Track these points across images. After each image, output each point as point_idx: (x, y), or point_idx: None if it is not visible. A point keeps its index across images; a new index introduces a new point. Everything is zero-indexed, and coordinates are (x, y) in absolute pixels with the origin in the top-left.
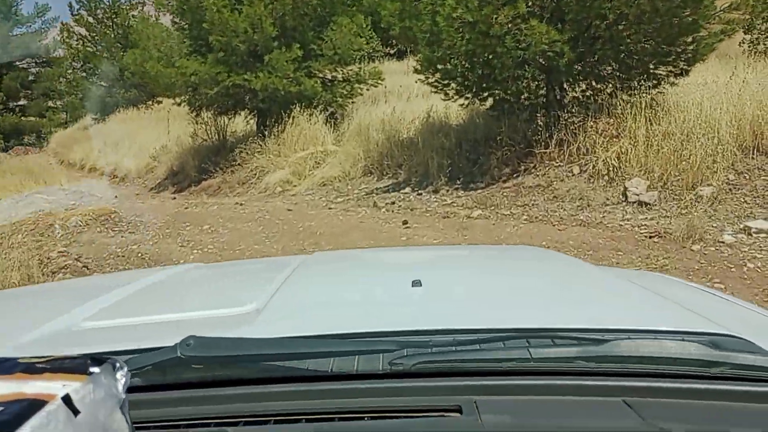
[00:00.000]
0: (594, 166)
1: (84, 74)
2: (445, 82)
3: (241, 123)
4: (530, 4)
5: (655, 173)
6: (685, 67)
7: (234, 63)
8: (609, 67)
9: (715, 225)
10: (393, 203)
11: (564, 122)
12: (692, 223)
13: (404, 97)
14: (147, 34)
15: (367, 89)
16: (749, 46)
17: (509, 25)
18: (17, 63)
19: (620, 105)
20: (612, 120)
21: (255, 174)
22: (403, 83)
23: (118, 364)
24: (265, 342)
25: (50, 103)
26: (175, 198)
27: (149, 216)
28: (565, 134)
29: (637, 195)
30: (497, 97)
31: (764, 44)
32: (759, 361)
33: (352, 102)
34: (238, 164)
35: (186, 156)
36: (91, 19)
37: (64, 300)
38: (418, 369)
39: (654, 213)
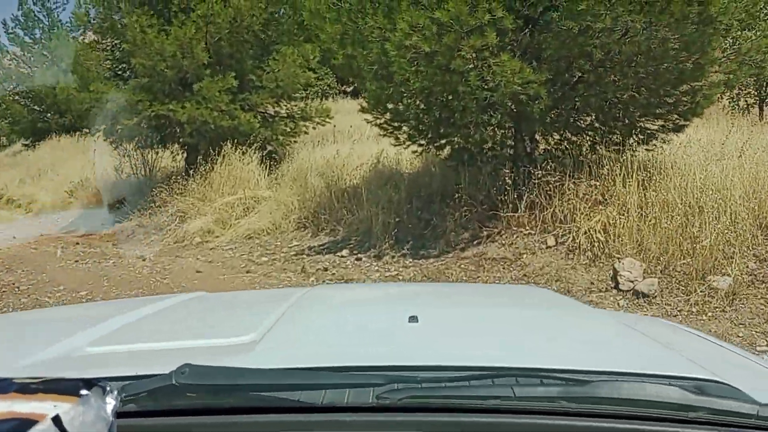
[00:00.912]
0: (574, 239)
1: (16, 97)
2: (396, 124)
3: (171, 158)
4: (501, 34)
5: (653, 253)
6: (679, 121)
7: (159, 90)
8: (588, 117)
9: (741, 334)
10: (326, 270)
11: (536, 181)
12: (710, 330)
13: (354, 139)
14: (74, 55)
15: (314, 128)
16: (729, 102)
17: (474, 60)
18: None
19: (606, 163)
20: (596, 182)
21: (175, 219)
22: (355, 123)
23: (108, 388)
24: (258, 373)
25: None
26: (77, 244)
27: (19, 272)
28: (537, 195)
29: (632, 282)
30: (456, 146)
31: (745, 100)
32: (740, 407)
33: (295, 141)
34: (158, 206)
35: (105, 193)
36: (27, 39)
37: (70, 325)
38: (404, 404)
39: (655, 308)
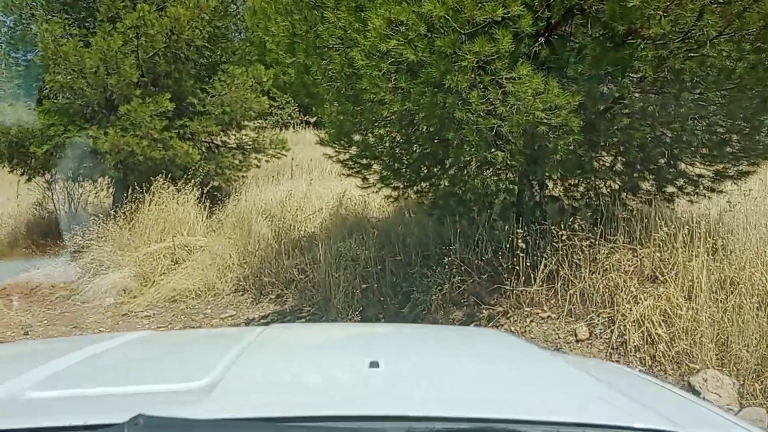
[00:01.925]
0: (620, 331)
1: None
2: (364, 161)
3: (95, 194)
4: (519, 37)
5: (746, 363)
6: (746, 167)
7: (77, 113)
8: (615, 156)
9: None
10: None
11: (556, 243)
12: None
13: (312, 176)
14: None
15: (267, 161)
16: None
17: (479, 74)
18: None
19: (655, 220)
20: (642, 248)
21: (89, 270)
22: (316, 156)
23: None
24: (215, 424)
25: None
26: None
27: None
28: (559, 263)
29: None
30: (443, 192)
31: None
32: None
33: (243, 176)
34: (74, 253)
35: (18, 234)
36: None
37: (9, 365)
38: None
39: None
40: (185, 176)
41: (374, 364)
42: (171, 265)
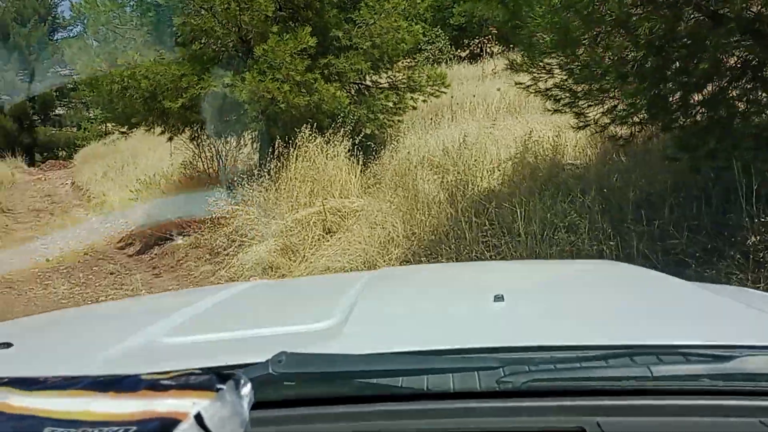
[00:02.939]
0: None
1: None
2: (580, 89)
3: (239, 150)
4: None
5: None
6: None
7: (210, 60)
8: None
9: None
10: None
11: None
12: None
13: (478, 114)
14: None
15: (424, 101)
16: None
17: None
18: (58, 70)
19: None
20: None
21: (234, 240)
22: (480, 92)
23: (242, 381)
24: (358, 358)
25: (90, 113)
26: (112, 273)
27: None
28: None
29: None
30: (707, 122)
31: None
32: None
33: (400, 121)
34: (219, 219)
35: (168, 196)
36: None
37: (137, 317)
38: (529, 387)
39: None
40: (333, 125)
41: (498, 298)
42: (322, 235)
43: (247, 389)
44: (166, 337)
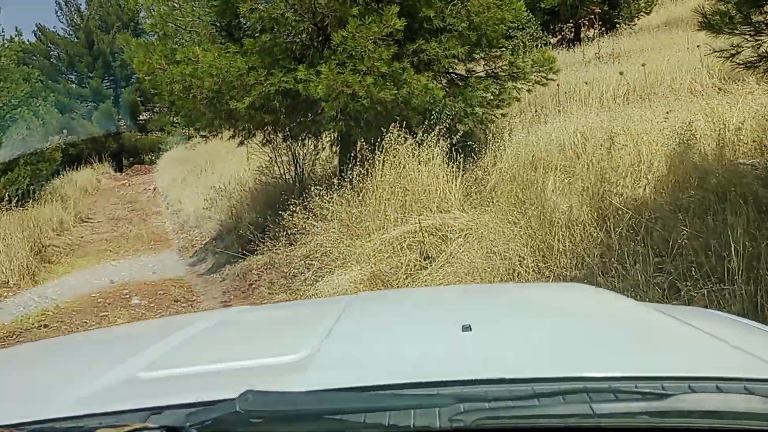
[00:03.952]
0: None
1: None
2: None
3: (316, 154)
4: None
5: None
6: None
7: (282, 51)
8: None
9: None
10: None
11: None
12: None
13: (592, 103)
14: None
15: (529, 90)
16: None
17: None
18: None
19: None
20: None
21: (311, 261)
22: (593, 78)
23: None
24: (323, 396)
25: (174, 118)
26: (177, 302)
27: None
28: None
29: None
30: None
31: None
32: None
33: (503, 115)
34: (296, 234)
35: (243, 206)
36: None
37: (114, 349)
38: (477, 425)
39: None
40: (425, 123)
41: (466, 328)
42: (420, 262)
43: None
44: (142, 371)
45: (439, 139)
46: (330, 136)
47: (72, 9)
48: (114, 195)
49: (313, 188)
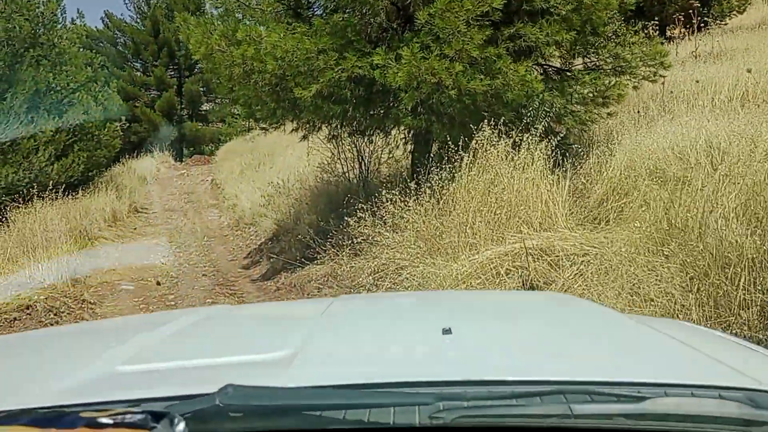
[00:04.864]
0: None
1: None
2: None
3: (388, 152)
4: None
5: None
6: None
7: (356, 33)
8: None
9: None
10: None
11: None
12: None
13: (704, 106)
14: None
15: (635, 87)
16: None
17: None
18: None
19: None
20: None
21: (381, 278)
22: (707, 75)
23: (176, 420)
24: (304, 392)
25: (234, 108)
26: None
27: None
28: None
29: None
30: None
31: None
32: None
33: (609, 115)
34: (360, 243)
35: (302, 205)
36: None
37: (94, 343)
38: (457, 423)
39: None
40: (521, 121)
41: (447, 331)
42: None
43: (180, 427)
44: (122, 365)
45: (539, 141)
46: (402, 133)
47: None
48: (172, 185)
49: (383, 192)
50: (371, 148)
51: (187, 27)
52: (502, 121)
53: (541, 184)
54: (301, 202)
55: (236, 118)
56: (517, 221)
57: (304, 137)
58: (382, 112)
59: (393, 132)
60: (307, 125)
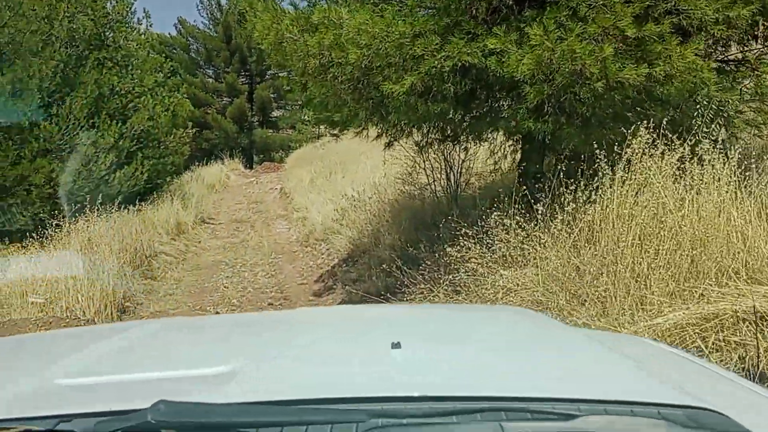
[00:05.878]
0: None
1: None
2: None
3: (492, 160)
4: None
5: None
6: None
7: (463, 12)
8: None
9: None
10: None
11: None
12: None
13: None
14: None
15: None
16: None
17: None
18: (275, 71)
19: None
20: None
21: None
22: None
23: None
24: (238, 408)
25: (304, 115)
26: None
27: None
28: None
29: None
30: None
31: None
32: None
33: None
34: (459, 274)
35: (381, 222)
36: None
37: (40, 355)
38: None
39: None
40: (678, 124)
41: (396, 345)
42: None
43: None
44: (60, 378)
45: (715, 150)
46: (505, 137)
47: (212, 3)
48: (241, 193)
49: (493, 214)
50: (461, 157)
51: (254, 14)
52: (662, 123)
53: (731, 212)
54: (379, 219)
55: (306, 125)
56: (707, 266)
57: (389, 144)
58: (486, 112)
59: (495, 138)
60: (394, 129)
